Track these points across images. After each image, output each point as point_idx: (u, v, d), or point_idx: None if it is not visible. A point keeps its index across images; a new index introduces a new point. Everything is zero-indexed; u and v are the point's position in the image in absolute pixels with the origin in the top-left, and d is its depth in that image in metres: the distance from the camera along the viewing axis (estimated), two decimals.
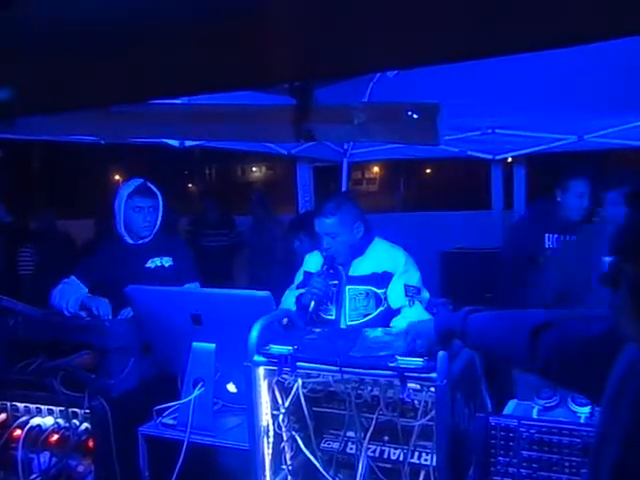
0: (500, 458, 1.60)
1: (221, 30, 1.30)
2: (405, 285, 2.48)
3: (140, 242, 3.04)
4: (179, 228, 6.15)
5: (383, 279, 2.51)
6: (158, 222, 3.05)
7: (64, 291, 2.81)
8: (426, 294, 2.54)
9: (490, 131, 3.94)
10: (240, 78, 1.33)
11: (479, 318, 1.54)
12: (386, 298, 2.50)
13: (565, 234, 3.42)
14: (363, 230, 2.59)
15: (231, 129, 1.75)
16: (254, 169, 32.17)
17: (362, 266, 2.56)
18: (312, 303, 2.47)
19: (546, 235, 3.42)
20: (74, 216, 8.96)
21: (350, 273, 2.57)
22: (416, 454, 1.90)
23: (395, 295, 2.49)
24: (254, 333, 1.90)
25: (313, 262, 2.73)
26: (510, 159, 5.21)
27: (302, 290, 2.64)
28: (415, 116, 1.42)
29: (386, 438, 1.94)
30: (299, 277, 2.72)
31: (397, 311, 2.46)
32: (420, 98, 2.33)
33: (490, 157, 4.60)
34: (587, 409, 2.05)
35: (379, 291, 2.50)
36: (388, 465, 1.93)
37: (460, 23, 1.05)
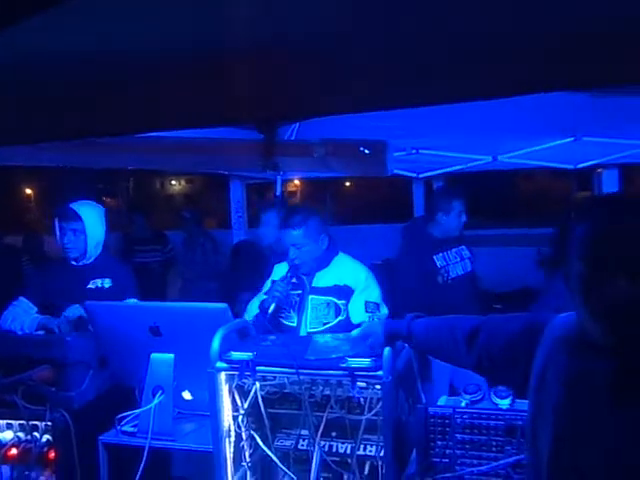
0: (438, 442, 1.86)
1: (199, 72, 1.49)
2: (366, 302, 2.70)
3: (81, 264, 3.08)
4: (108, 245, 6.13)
5: (344, 292, 2.72)
6: (85, 244, 3.06)
7: (16, 314, 2.86)
8: (385, 310, 2.75)
9: (414, 151, 4.23)
10: (217, 117, 1.52)
11: (421, 323, 1.82)
12: (346, 309, 2.71)
13: (448, 250, 3.79)
14: (327, 243, 2.80)
15: (201, 159, 1.92)
16: (173, 182, 31.74)
17: (325, 278, 2.77)
18: (272, 305, 2.64)
19: (434, 257, 3.73)
20: None
21: (313, 284, 2.78)
22: (361, 447, 2.13)
23: (356, 311, 2.71)
24: (216, 341, 2.07)
25: (281, 272, 2.89)
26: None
27: (266, 297, 2.82)
28: (367, 151, 1.65)
29: (334, 434, 2.16)
30: (267, 285, 2.89)
31: (357, 326, 2.68)
32: (354, 125, 2.60)
33: (414, 175, 4.94)
34: (507, 401, 2.34)
35: (339, 302, 2.71)
36: (337, 458, 2.14)
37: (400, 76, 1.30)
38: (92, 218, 3.05)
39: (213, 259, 5.82)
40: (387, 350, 1.93)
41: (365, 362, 1.94)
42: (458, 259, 3.78)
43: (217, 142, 1.85)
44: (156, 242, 6.37)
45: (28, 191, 26.15)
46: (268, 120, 1.49)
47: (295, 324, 2.78)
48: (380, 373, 1.92)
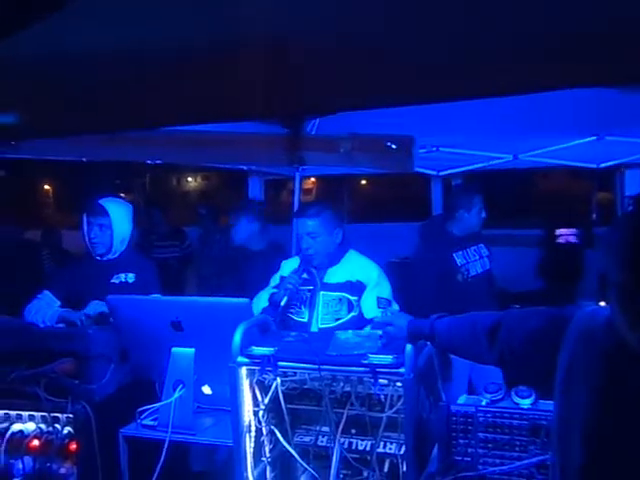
0: (460, 440, 1.85)
1: (223, 68, 1.49)
2: (378, 297, 2.70)
3: (106, 259, 3.11)
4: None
5: (357, 288, 2.72)
6: (111, 240, 3.08)
7: (39, 307, 2.89)
8: (396, 306, 2.76)
9: (435, 149, 4.21)
10: (242, 111, 1.52)
11: (444, 322, 1.82)
12: (358, 305, 2.72)
13: (467, 248, 3.75)
14: (341, 238, 2.80)
15: (229, 153, 1.92)
16: (189, 179, 31.88)
17: (337, 274, 2.77)
18: (285, 298, 2.64)
19: (453, 255, 3.69)
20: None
21: (325, 280, 2.78)
22: (381, 444, 2.12)
23: (368, 306, 2.71)
24: (237, 336, 2.08)
25: (289, 268, 2.90)
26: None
27: (276, 290, 2.82)
28: (393, 146, 1.65)
29: (353, 431, 2.16)
30: (275, 280, 2.89)
31: (369, 321, 2.69)
32: (375, 120, 2.59)
33: (434, 173, 4.92)
34: (528, 401, 2.32)
35: (352, 298, 2.72)
36: (356, 455, 2.14)
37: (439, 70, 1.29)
38: (119, 214, 3.09)
39: (229, 255, 5.83)
40: (409, 347, 1.92)
41: (387, 359, 1.93)
42: (477, 257, 3.75)
43: (243, 136, 1.85)
44: (174, 238, 6.40)
45: (46, 187, 26.40)
46: (293, 115, 1.49)
47: (306, 320, 2.78)
48: (402, 370, 1.91)
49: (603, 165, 4.82)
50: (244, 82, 1.50)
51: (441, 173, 5.00)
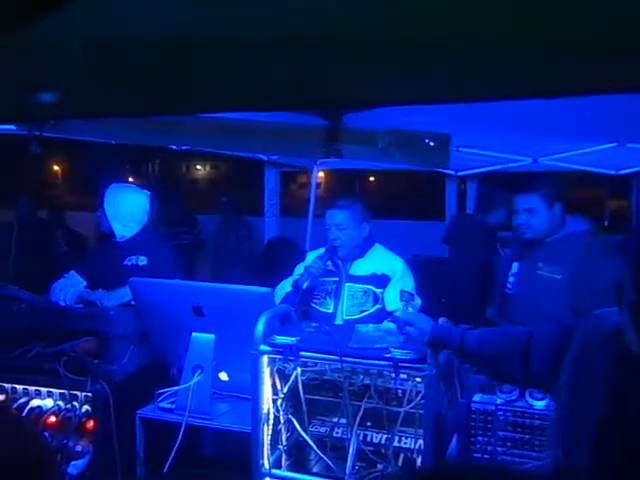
0: (479, 438, 1.86)
1: (264, 56, 1.50)
2: (401, 290, 2.72)
3: (122, 240, 3.15)
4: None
5: (382, 280, 2.74)
6: (108, 224, 3.12)
7: (63, 285, 2.93)
8: (418, 300, 2.78)
9: (454, 149, 4.20)
10: (282, 101, 1.53)
11: (476, 336, 1.82)
12: (383, 298, 2.74)
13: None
14: (368, 232, 2.82)
15: (264, 143, 1.93)
16: (198, 167, 31.93)
17: (362, 267, 2.79)
18: (307, 282, 2.66)
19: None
20: None
21: (350, 272, 2.80)
22: (396, 438, 2.14)
23: (391, 299, 2.72)
24: (260, 324, 2.09)
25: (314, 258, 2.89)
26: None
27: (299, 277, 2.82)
28: (431, 143, 1.66)
29: (369, 423, 2.17)
30: (299, 269, 2.89)
31: (391, 313, 2.70)
32: (398, 118, 2.60)
33: (453, 173, 4.92)
34: (542, 403, 2.34)
35: (377, 290, 2.73)
36: (371, 448, 2.16)
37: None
38: (115, 199, 3.11)
39: (246, 245, 5.87)
40: None
41: (410, 354, 1.95)
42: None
43: (281, 126, 1.86)
44: (185, 224, 6.41)
45: (55, 167, 26.44)
46: (333, 107, 1.50)
47: (331, 311, 2.80)
48: (424, 366, 1.92)
49: (622, 172, 4.81)
50: (286, 71, 1.50)
51: (459, 173, 5.00)
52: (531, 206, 2.80)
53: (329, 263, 2.79)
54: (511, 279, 2.93)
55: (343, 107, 1.48)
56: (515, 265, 2.97)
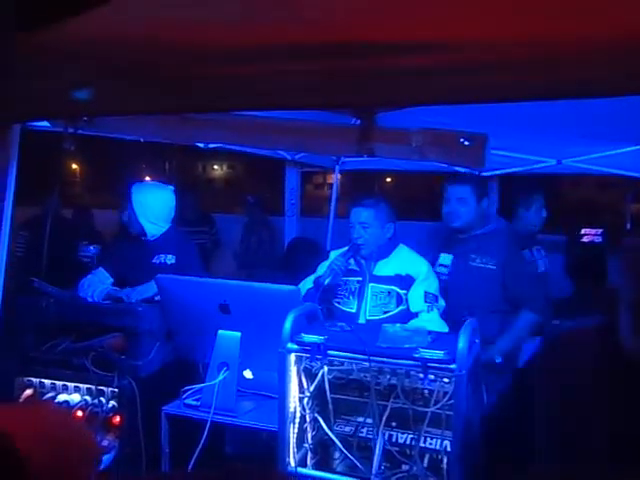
0: None
1: (298, 55, 1.50)
2: (425, 292, 2.70)
3: (150, 239, 3.18)
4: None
5: (406, 281, 2.73)
6: (138, 223, 3.14)
7: (92, 281, 2.96)
8: (442, 302, 2.76)
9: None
10: (317, 100, 1.53)
11: None
12: (407, 299, 2.73)
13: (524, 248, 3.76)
14: (392, 233, 2.81)
15: (295, 141, 1.94)
16: (215, 167, 32.11)
17: (387, 267, 2.78)
18: (329, 278, 2.64)
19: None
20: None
21: (375, 272, 2.79)
22: (421, 438, 2.13)
23: (415, 300, 2.71)
24: (288, 323, 2.09)
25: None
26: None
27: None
28: (466, 143, 1.65)
29: (394, 424, 2.17)
30: (322, 268, 2.88)
31: (415, 314, 2.69)
32: (420, 119, 2.59)
33: (476, 174, 4.88)
34: None
35: (401, 291, 2.72)
36: (396, 448, 2.15)
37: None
38: (144, 198, 3.13)
39: (267, 247, 5.87)
40: (462, 343, 1.93)
41: (439, 354, 1.94)
42: (533, 258, 3.78)
43: (313, 125, 1.87)
44: (203, 224, 6.43)
45: (74, 166, 26.68)
46: (366, 106, 1.50)
47: (354, 310, 2.79)
48: (453, 366, 1.91)
49: None
50: (320, 71, 1.51)
51: (482, 174, 4.97)
52: (462, 196, 2.93)
53: (352, 262, 2.79)
54: (441, 269, 3.08)
55: (377, 106, 1.48)
56: (444, 257, 3.13)
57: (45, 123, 2.45)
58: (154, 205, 3.13)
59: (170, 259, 3.18)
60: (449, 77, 1.43)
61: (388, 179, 23.26)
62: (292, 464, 2.14)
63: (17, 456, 0.78)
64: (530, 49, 1.25)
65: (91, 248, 3.97)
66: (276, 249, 5.67)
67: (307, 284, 2.83)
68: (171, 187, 3.21)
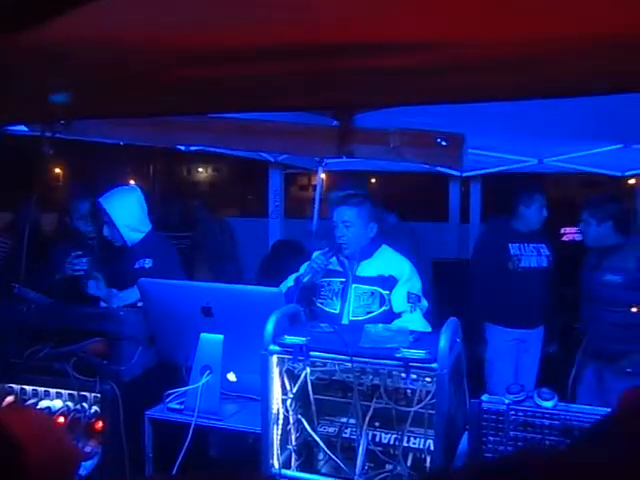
0: (491, 437, 1.86)
1: (279, 56, 1.51)
2: (408, 292, 2.72)
3: (130, 245, 3.18)
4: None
5: (389, 282, 2.74)
6: (119, 233, 3.16)
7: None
8: (425, 302, 2.78)
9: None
10: (296, 102, 1.54)
11: None
12: (390, 300, 2.74)
13: (526, 243, 3.89)
14: (375, 233, 2.82)
15: (276, 143, 1.94)
16: (200, 169, 31.96)
17: (370, 268, 2.79)
18: (308, 276, 2.66)
19: (509, 245, 3.86)
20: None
21: (357, 273, 2.79)
22: (404, 438, 2.14)
23: (398, 300, 2.72)
24: (270, 325, 2.09)
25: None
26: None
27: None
28: (444, 143, 1.66)
29: (377, 424, 2.17)
30: (304, 267, 2.90)
31: (398, 315, 2.70)
32: (408, 119, 2.60)
33: (457, 174, 4.92)
34: (551, 403, 2.34)
35: (384, 292, 2.73)
36: (379, 448, 2.16)
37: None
38: (119, 207, 3.12)
39: (230, 245, 5.91)
40: (442, 343, 1.93)
41: (420, 354, 1.95)
42: (534, 253, 3.90)
43: (294, 126, 1.87)
44: (184, 229, 6.47)
45: (57, 170, 26.41)
46: (345, 107, 1.50)
47: (337, 311, 2.80)
48: (435, 365, 1.92)
49: (628, 173, 4.82)
50: (298, 74, 1.51)
51: (464, 174, 5.00)
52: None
53: (335, 262, 2.80)
54: None
55: (355, 107, 1.48)
56: None
57: (23, 127, 2.43)
58: (129, 211, 3.13)
59: (148, 263, 3.17)
60: (433, 77, 1.43)
61: (373, 180, 23.29)
62: (276, 466, 2.14)
63: (19, 456, 0.78)
64: (515, 49, 1.26)
65: (83, 260, 3.97)
66: (236, 247, 5.71)
67: (288, 282, 2.84)
68: (135, 186, 3.20)
